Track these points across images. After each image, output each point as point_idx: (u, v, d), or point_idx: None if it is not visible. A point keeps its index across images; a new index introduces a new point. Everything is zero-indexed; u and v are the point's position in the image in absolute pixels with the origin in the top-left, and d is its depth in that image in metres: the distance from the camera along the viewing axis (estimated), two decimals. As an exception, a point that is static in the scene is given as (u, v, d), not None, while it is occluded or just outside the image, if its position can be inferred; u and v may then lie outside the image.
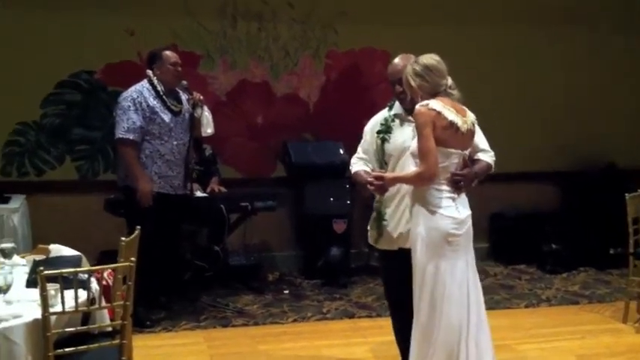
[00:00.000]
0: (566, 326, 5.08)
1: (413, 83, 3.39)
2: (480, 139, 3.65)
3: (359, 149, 3.89)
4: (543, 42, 6.96)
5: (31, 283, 3.13)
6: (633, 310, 5.14)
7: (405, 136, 3.65)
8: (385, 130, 3.73)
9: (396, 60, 3.72)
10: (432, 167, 3.28)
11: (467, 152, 3.47)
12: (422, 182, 3.36)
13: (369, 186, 3.57)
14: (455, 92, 3.40)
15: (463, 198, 3.46)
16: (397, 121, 3.72)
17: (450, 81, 3.39)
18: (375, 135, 3.75)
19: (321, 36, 6.49)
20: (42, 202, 5.89)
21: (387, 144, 3.70)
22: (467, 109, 3.46)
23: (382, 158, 3.72)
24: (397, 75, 3.60)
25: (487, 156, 3.65)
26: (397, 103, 3.75)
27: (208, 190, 5.73)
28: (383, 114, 3.81)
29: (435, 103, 3.30)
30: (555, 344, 4.71)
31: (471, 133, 3.43)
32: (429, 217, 3.35)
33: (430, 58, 3.40)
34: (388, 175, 3.56)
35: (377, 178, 3.52)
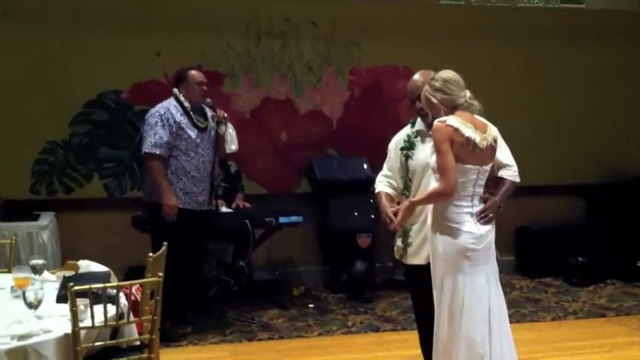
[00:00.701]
0: (592, 339, 5.05)
1: (434, 100, 3.39)
2: (503, 153, 3.65)
3: (384, 166, 3.94)
4: (567, 55, 6.97)
5: (60, 299, 3.19)
6: (660, 322, 5.11)
7: (427, 151, 3.67)
8: (408, 147, 3.77)
9: (416, 76, 3.76)
10: (450, 184, 3.28)
11: (487, 167, 3.44)
12: (441, 198, 3.38)
13: (387, 220, 3.64)
14: (475, 103, 3.40)
15: None
16: (420, 137, 3.75)
17: (468, 93, 3.40)
18: (399, 152, 3.79)
19: (344, 53, 6.56)
20: (70, 219, 6.00)
21: (411, 160, 3.74)
22: (488, 123, 3.46)
23: (406, 175, 3.76)
24: (417, 91, 3.62)
25: (510, 172, 3.65)
26: (419, 120, 3.79)
27: (233, 206, 5.79)
28: (406, 131, 3.84)
29: (453, 120, 3.31)
30: (582, 357, 4.69)
31: (491, 149, 3.41)
32: (447, 233, 3.36)
33: (447, 72, 3.43)
34: (405, 203, 3.57)
35: (395, 214, 3.57)
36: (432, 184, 3.51)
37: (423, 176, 3.68)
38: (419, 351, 4.00)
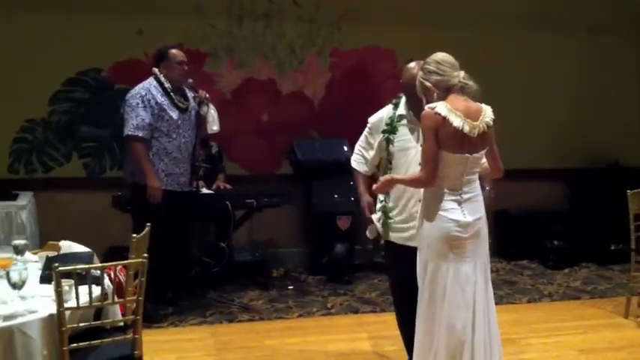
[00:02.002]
0: (568, 321, 5.15)
1: (427, 83, 3.35)
2: None
3: (362, 141, 3.96)
4: (550, 42, 7.03)
5: (44, 279, 3.19)
6: (634, 305, 5.20)
7: (408, 136, 3.71)
8: (390, 131, 3.78)
9: (412, 64, 3.70)
10: (429, 173, 3.28)
11: (478, 155, 3.36)
12: (420, 185, 3.40)
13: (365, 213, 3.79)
14: (470, 83, 3.32)
15: (473, 202, 3.39)
16: (402, 121, 3.77)
17: (462, 73, 3.33)
18: (380, 134, 3.81)
19: (327, 34, 6.56)
20: (49, 199, 5.96)
21: (391, 145, 3.76)
22: (484, 106, 3.38)
23: (387, 157, 3.80)
24: (413, 80, 3.55)
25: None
26: (402, 103, 3.79)
27: (214, 187, 5.79)
28: (388, 111, 3.83)
29: (442, 107, 3.25)
30: (557, 339, 4.77)
31: (483, 136, 3.32)
32: (433, 219, 3.35)
33: (439, 54, 3.37)
34: (387, 177, 3.59)
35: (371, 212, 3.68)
36: (413, 167, 3.54)
37: (402, 159, 3.72)
38: (397, 332, 4.05)
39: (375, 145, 3.85)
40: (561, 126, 7.10)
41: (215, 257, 5.72)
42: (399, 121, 3.77)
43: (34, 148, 6.07)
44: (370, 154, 3.91)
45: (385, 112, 3.85)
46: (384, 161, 3.83)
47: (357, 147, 3.99)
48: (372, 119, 3.91)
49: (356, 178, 3.99)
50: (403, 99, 3.79)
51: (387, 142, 3.77)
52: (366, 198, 3.91)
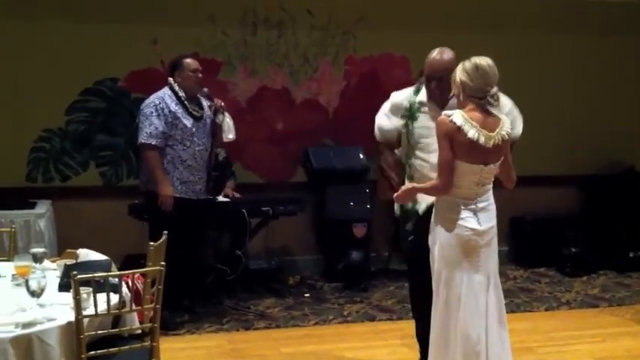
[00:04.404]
0: (586, 329, 5.10)
1: (458, 79, 3.30)
2: None
3: (382, 121, 3.93)
4: (564, 45, 7.00)
5: (63, 287, 3.21)
6: (653, 313, 5.17)
7: (427, 123, 3.68)
8: (409, 116, 3.76)
9: (445, 54, 3.70)
10: (445, 181, 3.28)
11: (493, 166, 3.34)
12: (436, 194, 3.40)
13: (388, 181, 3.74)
14: (496, 104, 3.29)
15: (487, 210, 3.40)
16: (424, 108, 3.74)
17: (494, 90, 3.27)
18: (399, 118, 3.79)
19: (340, 42, 6.57)
20: (67, 207, 5.98)
21: (410, 130, 3.75)
22: (503, 117, 3.35)
23: (407, 141, 3.79)
24: (442, 68, 3.59)
25: None
26: (424, 90, 3.75)
27: (222, 194, 5.78)
28: (408, 95, 3.79)
29: (458, 117, 3.24)
30: (575, 347, 4.73)
31: (498, 148, 3.30)
32: (448, 227, 3.35)
33: (483, 59, 3.31)
34: (407, 186, 3.59)
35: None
36: (434, 151, 3.47)
37: (421, 143, 3.72)
38: (414, 340, 4.05)
39: (393, 124, 3.85)
40: (576, 131, 7.05)
41: (231, 265, 5.72)
42: (419, 108, 3.74)
43: (52, 157, 6.11)
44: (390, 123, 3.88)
45: (404, 97, 3.82)
46: (407, 147, 3.80)
47: (378, 120, 3.97)
48: (392, 100, 3.89)
49: (385, 151, 3.96)
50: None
51: (405, 127, 3.76)
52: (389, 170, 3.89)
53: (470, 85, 3.27)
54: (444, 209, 3.39)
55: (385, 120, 3.93)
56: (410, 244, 3.88)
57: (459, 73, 3.30)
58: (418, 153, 3.76)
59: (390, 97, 3.92)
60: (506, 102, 3.68)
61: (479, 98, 3.27)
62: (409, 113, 3.76)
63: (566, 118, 7.04)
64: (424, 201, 3.70)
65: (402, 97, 3.84)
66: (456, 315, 3.35)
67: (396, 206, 3.92)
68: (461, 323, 3.34)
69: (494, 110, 3.31)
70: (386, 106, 3.94)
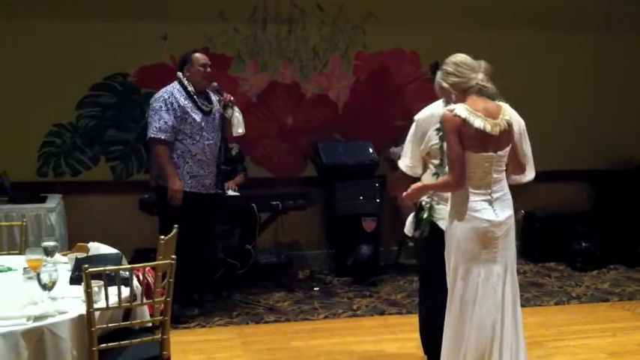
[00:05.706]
0: (596, 324, 5.09)
1: (445, 84, 3.39)
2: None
3: (408, 149, 3.82)
4: (575, 41, 6.97)
5: (74, 280, 3.23)
6: (664, 307, 5.15)
7: None
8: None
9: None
10: (457, 175, 3.28)
11: (503, 152, 3.36)
12: (449, 190, 3.40)
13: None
14: (489, 86, 3.34)
15: (503, 200, 3.40)
16: None
17: (481, 75, 3.34)
18: (434, 131, 3.67)
19: (350, 37, 6.56)
20: (77, 201, 6.03)
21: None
22: (503, 104, 3.39)
23: (440, 155, 3.66)
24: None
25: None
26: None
27: (226, 187, 5.76)
28: (438, 108, 3.69)
29: (462, 109, 3.26)
30: (586, 341, 4.73)
31: (506, 133, 3.34)
32: (464, 221, 3.35)
33: (458, 55, 3.41)
34: (418, 184, 3.55)
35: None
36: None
37: None
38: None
39: (423, 142, 3.72)
40: (587, 127, 7.03)
41: (241, 259, 5.75)
42: None
43: (63, 151, 6.15)
44: (418, 152, 3.77)
45: (434, 110, 3.71)
46: (437, 152, 3.68)
47: (406, 160, 3.83)
48: (419, 116, 3.76)
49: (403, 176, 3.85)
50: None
51: (441, 140, 3.60)
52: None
53: (458, 80, 3.35)
54: (458, 204, 3.38)
55: (416, 143, 3.77)
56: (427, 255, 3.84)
57: (443, 80, 3.39)
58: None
59: (415, 119, 3.79)
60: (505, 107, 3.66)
61: (471, 87, 3.33)
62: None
63: (577, 114, 7.02)
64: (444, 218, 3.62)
65: (429, 111, 3.73)
66: (472, 308, 3.36)
67: (408, 226, 3.87)
68: (477, 315, 3.35)
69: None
70: (411, 132, 3.80)
